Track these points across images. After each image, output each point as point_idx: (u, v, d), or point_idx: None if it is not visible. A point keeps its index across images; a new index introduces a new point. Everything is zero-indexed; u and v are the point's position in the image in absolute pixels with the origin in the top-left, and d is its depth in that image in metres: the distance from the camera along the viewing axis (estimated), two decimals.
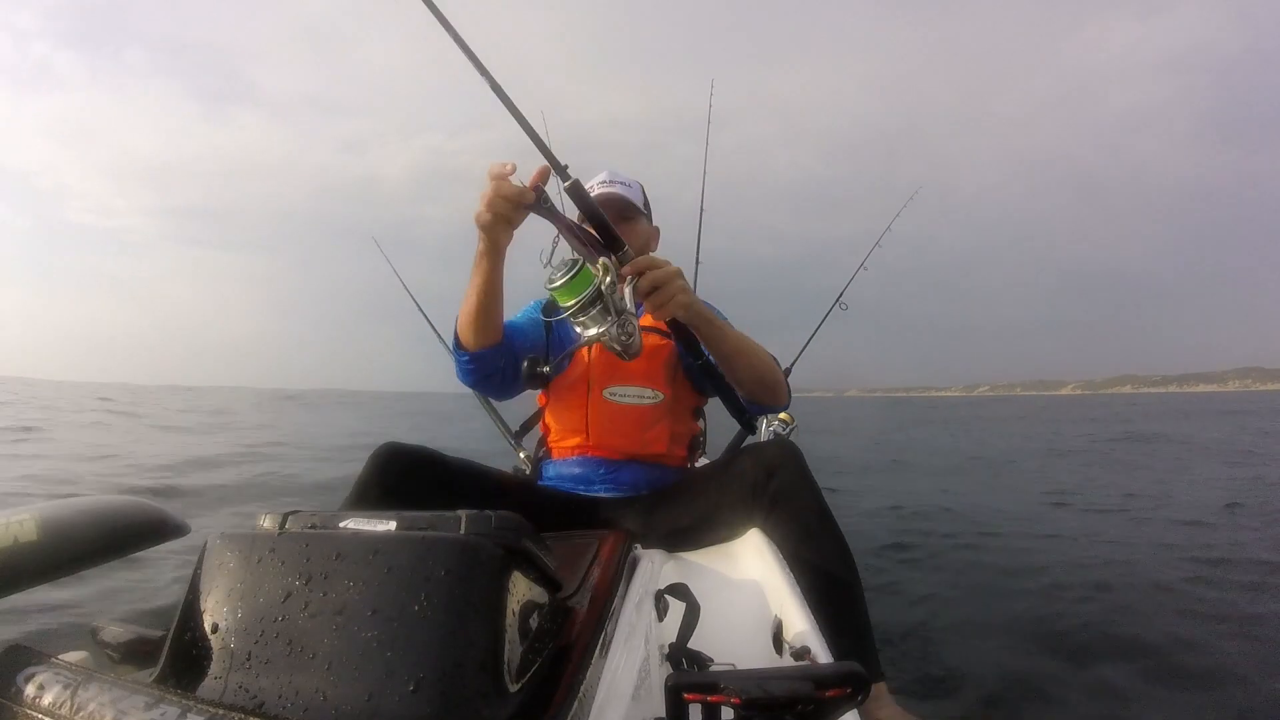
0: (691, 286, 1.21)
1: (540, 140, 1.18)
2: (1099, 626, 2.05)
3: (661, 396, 1.44)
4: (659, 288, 1.12)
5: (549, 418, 1.54)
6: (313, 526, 0.59)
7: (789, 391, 1.48)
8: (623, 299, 1.08)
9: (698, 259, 2.38)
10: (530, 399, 1.58)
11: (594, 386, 1.43)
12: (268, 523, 0.60)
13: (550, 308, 1.26)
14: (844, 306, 2.33)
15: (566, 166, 1.15)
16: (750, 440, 1.81)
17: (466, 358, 1.33)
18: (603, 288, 1.04)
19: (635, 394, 1.44)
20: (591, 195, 1.33)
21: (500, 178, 1.06)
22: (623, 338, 1.07)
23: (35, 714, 0.48)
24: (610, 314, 1.05)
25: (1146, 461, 7.56)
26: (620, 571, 0.88)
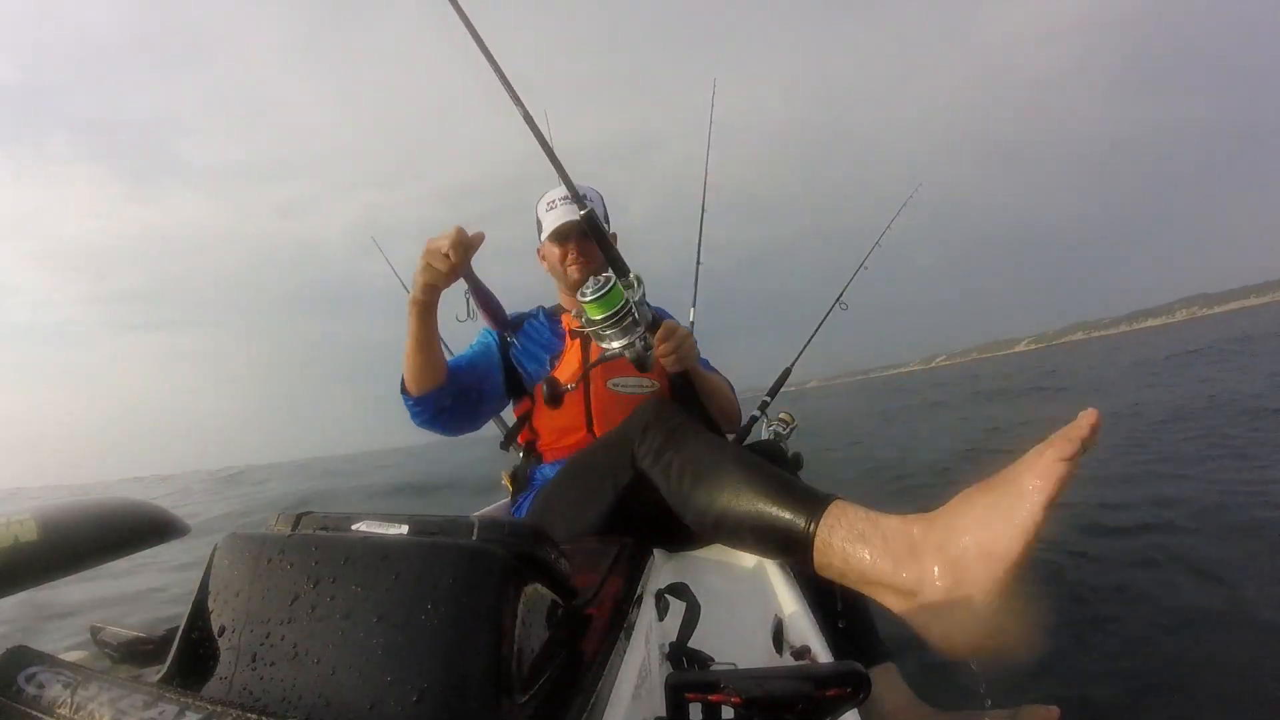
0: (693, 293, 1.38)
1: (562, 170, 1.39)
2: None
3: (656, 385, 1.55)
4: (680, 347, 1.33)
5: (540, 421, 1.53)
6: (324, 529, 0.59)
7: (740, 414, 1.72)
8: (646, 315, 1.20)
9: (698, 260, 2.39)
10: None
11: (596, 379, 1.48)
12: (280, 523, 0.60)
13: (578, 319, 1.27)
14: (844, 306, 2.36)
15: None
16: (749, 441, 1.83)
17: (413, 401, 1.41)
18: (633, 303, 1.17)
19: (635, 384, 1.52)
20: (547, 216, 1.58)
21: (458, 242, 1.16)
22: (644, 351, 1.21)
23: (35, 713, 0.48)
24: (637, 328, 1.19)
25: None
26: (637, 579, 0.88)
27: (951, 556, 0.79)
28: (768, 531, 0.95)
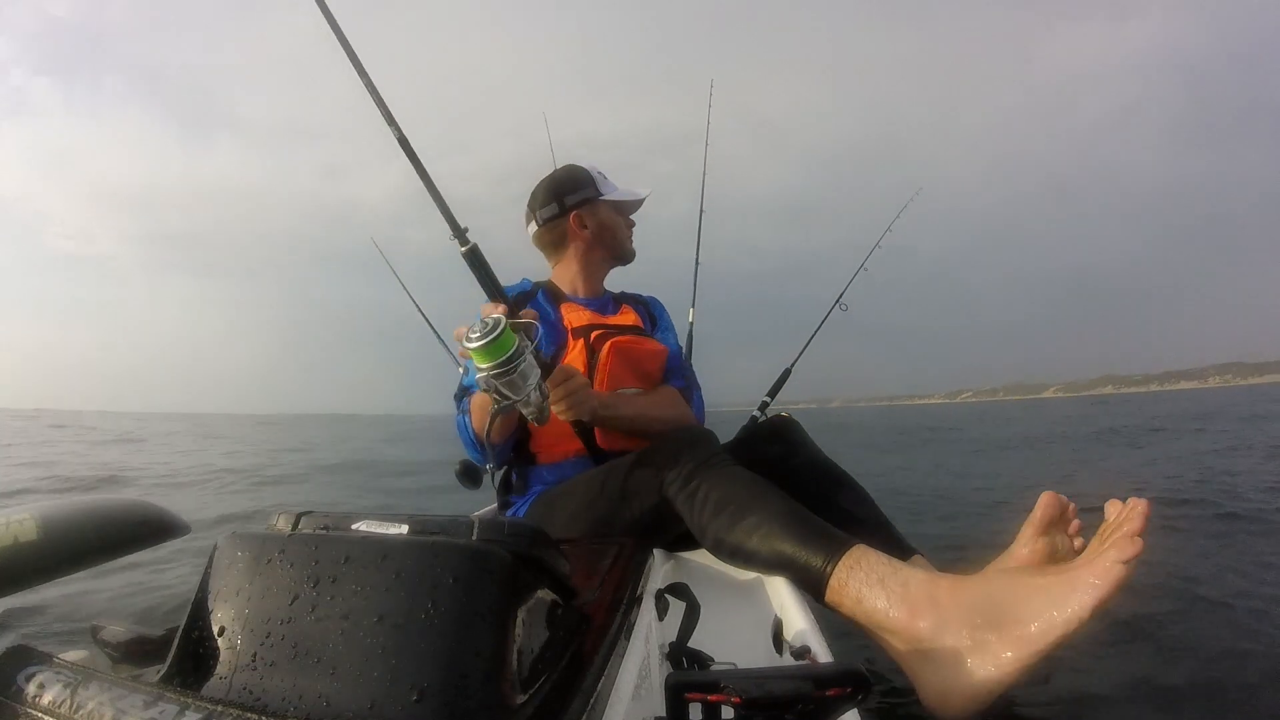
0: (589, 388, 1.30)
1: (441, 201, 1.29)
2: None
3: None
4: (572, 395, 1.21)
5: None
6: (324, 528, 0.59)
7: (700, 415, 1.60)
8: (542, 359, 1.02)
9: (697, 260, 2.38)
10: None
11: (601, 388, 1.43)
12: (281, 523, 0.60)
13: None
14: (844, 307, 2.34)
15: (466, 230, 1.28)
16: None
17: (490, 450, 1.24)
18: (529, 348, 0.96)
19: (636, 395, 1.48)
20: (620, 185, 1.60)
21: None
22: (541, 402, 1.02)
23: (36, 713, 0.48)
24: (533, 374, 0.98)
25: None
26: (637, 580, 0.87)
27: (981, 624, 0.78)
28: (784, 567, 0.98)
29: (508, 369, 0.95)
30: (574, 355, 1.45)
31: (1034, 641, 0.74)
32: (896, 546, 1.11)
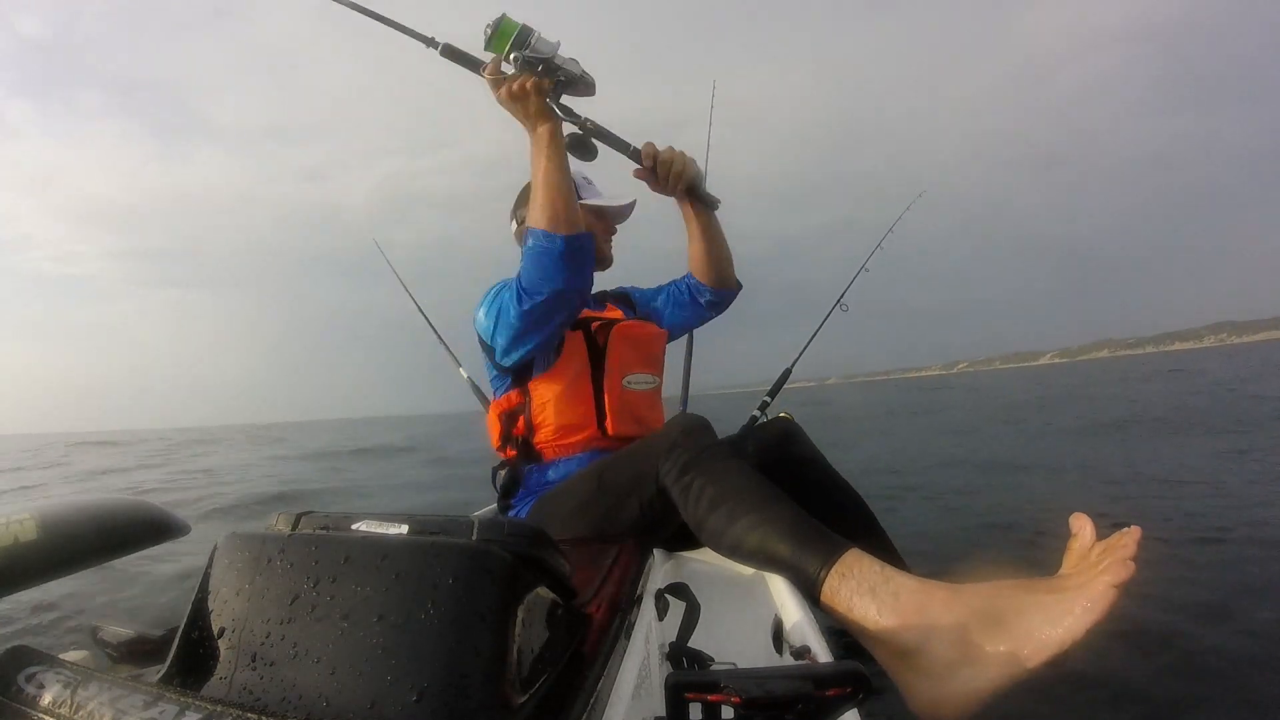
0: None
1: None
2: None
3: (658, 381, 1.56)
4: (673, 162, 1.41)
5: (546, 414, 1.43)
6: (324, 528, 0.59)
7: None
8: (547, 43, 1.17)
9: None
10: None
11: (612, 375, 1.45)
12: (281, 523, 0.60)
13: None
14: (844, 308, 2.35)
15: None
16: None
17: (575, 239, 1.24)
18: (530, 27, 1.14)
19: (644, 380, 1.51)
20: (605, 187, 1.61)
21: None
22: (572, 68, 1.19)
23: (35, 713, 0.48)
24: (552, 43, 1.16)
25: None
26: (637, 580, 0.88)
27: (970, 639, 0.79)
28: (779, 567, 0.98)
29: (526, 43, 1.14)
30: (574, 348, 1.45)
31: (1025, 659, 0.75)
32: (891, 558, 1.11)
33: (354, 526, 0.58)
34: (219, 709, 0.45)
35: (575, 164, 1.58)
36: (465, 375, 2.20)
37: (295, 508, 0.61)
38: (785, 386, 2.29)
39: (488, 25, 1.14)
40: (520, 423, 1.45)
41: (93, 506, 0.73)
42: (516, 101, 1.21)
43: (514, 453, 1.46)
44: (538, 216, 1.24)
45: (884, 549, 1.32)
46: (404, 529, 0.56)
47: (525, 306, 1.28)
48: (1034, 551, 2.23)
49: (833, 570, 0.92)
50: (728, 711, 0.51)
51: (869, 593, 0.88)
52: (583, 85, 1.24)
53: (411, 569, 0.52)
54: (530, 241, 1.25)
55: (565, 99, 1.27)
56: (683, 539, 1.31)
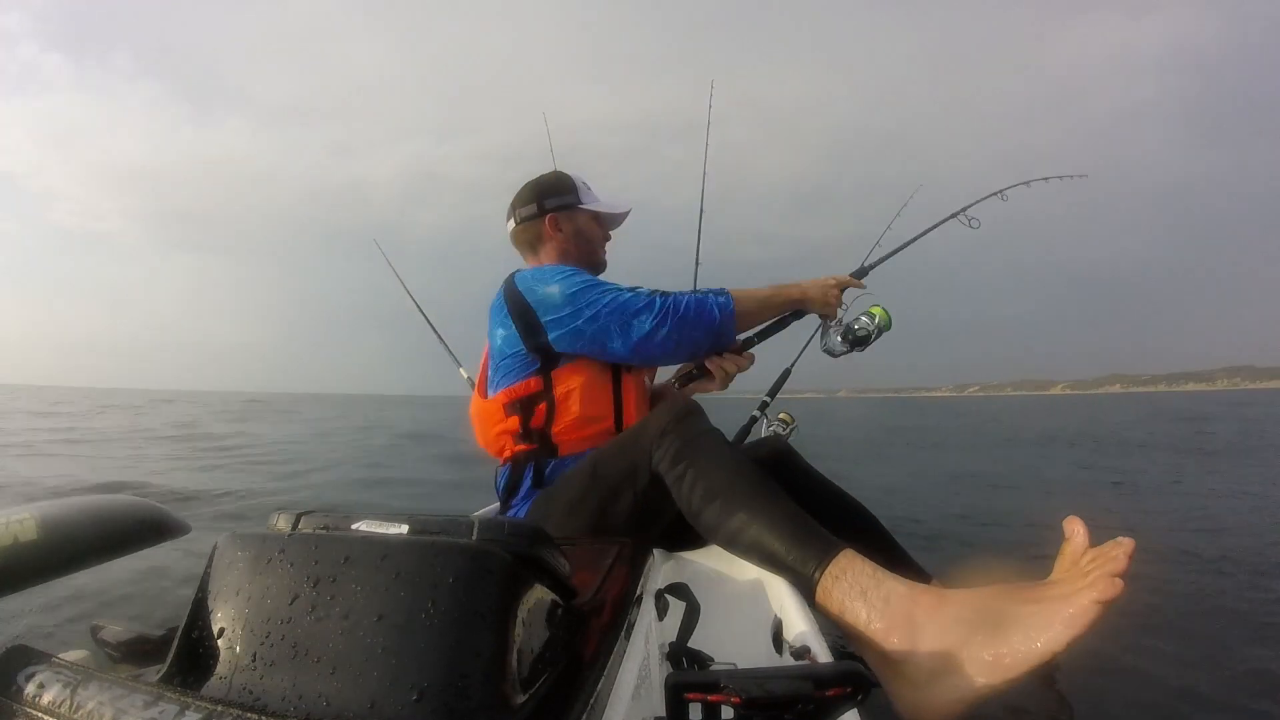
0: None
1: None
2: None
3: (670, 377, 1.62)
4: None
5: (570, 402, 1.36)
6: (324, 528, 0.59)
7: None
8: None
9: (698, 260, 2.38)
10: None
11: (633, 374, 1.45)
12: (280, 523, 0.60)
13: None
14: (845, 307, 2.34)
15: None
16: (750, 440, 1.83)
17: (731, 331, 1.42)
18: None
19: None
20: (601, 196, 1.59)
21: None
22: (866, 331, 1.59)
23: (35, 713, 0.48)
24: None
25: None
26: (637, 580, 0.88)
27: (954, 645, 0.79)
28: (774, 565, 0.99)
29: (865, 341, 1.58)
30: None
31: (1006, 669, 0.76)
32: (900, 561, 1.12)
33: (354, 526, 0.58)
34: (219, 709, 0.45)
35: (575, 169, 1.63)
36: (465, 375, 2.21)
37: (292, 508, 0.61)
38: (793, 395, 2.29)
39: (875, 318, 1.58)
40: (540, 411, 1.37)
41: (93, 506, 0.73)
42: (828, 292, 1.55)
43: (523, 446, 1.38)
44: (749, 306, 1.42)
45: (887, 550, 1.32)
46: (404, 529, 0.56)
47: (658, 342, 1.32)
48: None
49: (826, 571, 0.92)
50: (728, 711, 0.51)
51: (860, 596, 0.89)
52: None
53: (411, 569, 0.52)
54: (723, 300, 1.37)
55: None
56: (683, 539, 1.31)
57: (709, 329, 1.34)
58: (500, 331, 1.40)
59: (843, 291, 1.59)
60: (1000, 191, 2.00)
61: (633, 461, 1.17)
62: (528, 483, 1.38)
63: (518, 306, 1.38)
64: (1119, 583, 0.73)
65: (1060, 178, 2.04)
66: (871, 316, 1.59)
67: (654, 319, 1.30)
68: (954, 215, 1.92)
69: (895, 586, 0.88)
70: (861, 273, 1.74)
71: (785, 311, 1.56)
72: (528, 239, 1.58)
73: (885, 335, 1.59)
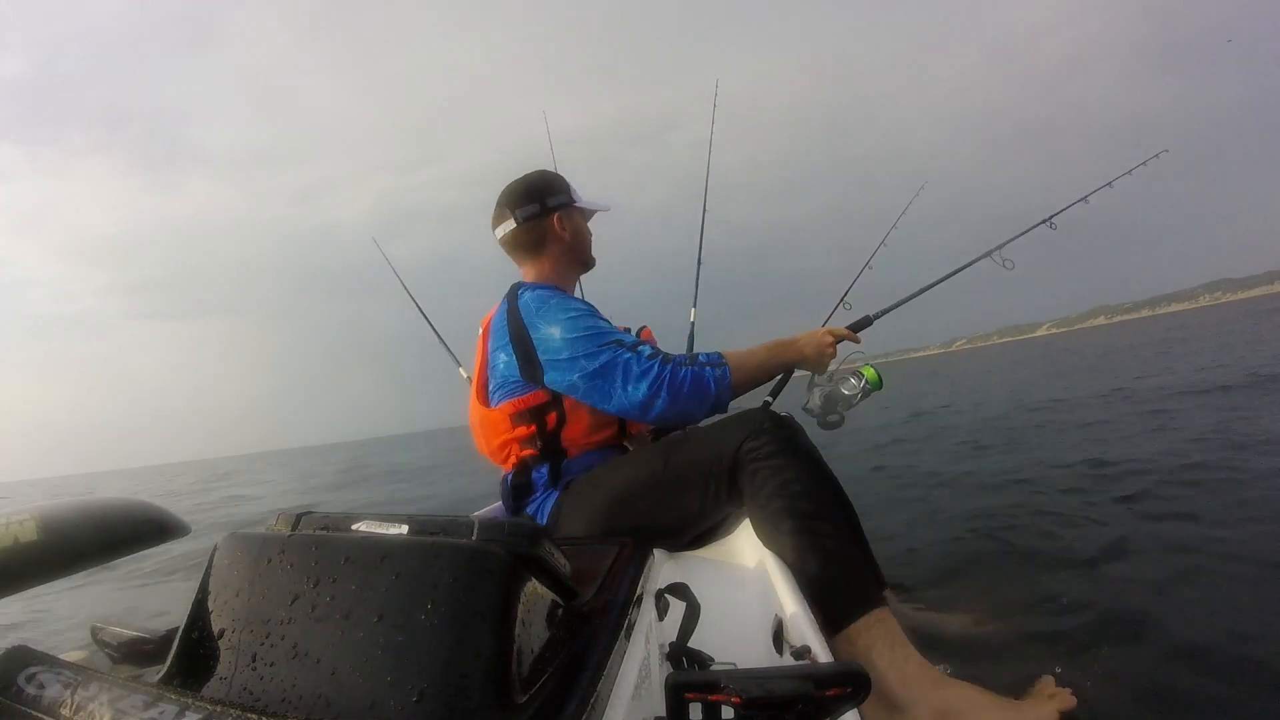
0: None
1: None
2: None
3: None
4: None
5: (580, 409, 1.36)
6: (324, 528, 0.59)
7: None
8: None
9: (699, 260, 2.39)
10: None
11: None
12: (280, 524, 0.60)
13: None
14: (848, 306, 2.34)
15: None
16: None
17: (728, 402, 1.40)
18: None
19: None
20: (586, 195, 1.55)
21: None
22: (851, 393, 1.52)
23: (35, 713, 0.48)
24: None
25: None
26: (637, 580, 0.88)
27: (948, 715, 1.00)
28: (819, 585, 1.07)
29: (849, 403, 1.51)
30: None
31: None
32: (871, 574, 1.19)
33: (354, 527, 0.58)
34: (219, 709, 0.45)
35: (565, 170, 1.63)
36: (465, 375, 2.21)
37: (291, 509, 0.62)
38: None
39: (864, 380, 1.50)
40: (552, 418, 1.37)
41: (93, 506, 0.73)
42: (823, 349, 1.48)
43: (532, 451, 1.38)
44: (744, 375, 1.37)
45: (859, 544, 1.36)
46: (404, 529, 0.56)
47: (653, 414, 1.28)
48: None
49: (870, 614, 1.07)
50: (728, 712, 0.51)
51: (888, 648, 1.05)
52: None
53: (411, 569, 0.52)
54: (719, 374, 1.32)
55: None
56: (683, 539, 1.31)
57: (703, 402, 1.32)
58: (502, 356, 1.38)
59: (838, 344, 1.51)
60: (1085, 197, 1.93)
61: (718, 450, 1.22)
62: (542, 482, 1.38)
63: (518, 334, 1.36)
64: (1074, 699, 1.10)
65: (1143, 164, 1.95)
66: (860, 377, 1.50)
67: (649, 389, 1.28)
68: (989, 254, 1.81)
69: (912, 653, 1.06)
70: (864, 323, 1.64)
71: (780, 374, 1.51)
72: (531, 240, 1.51)
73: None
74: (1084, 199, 1.94)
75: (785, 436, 1.19)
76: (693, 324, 2.24)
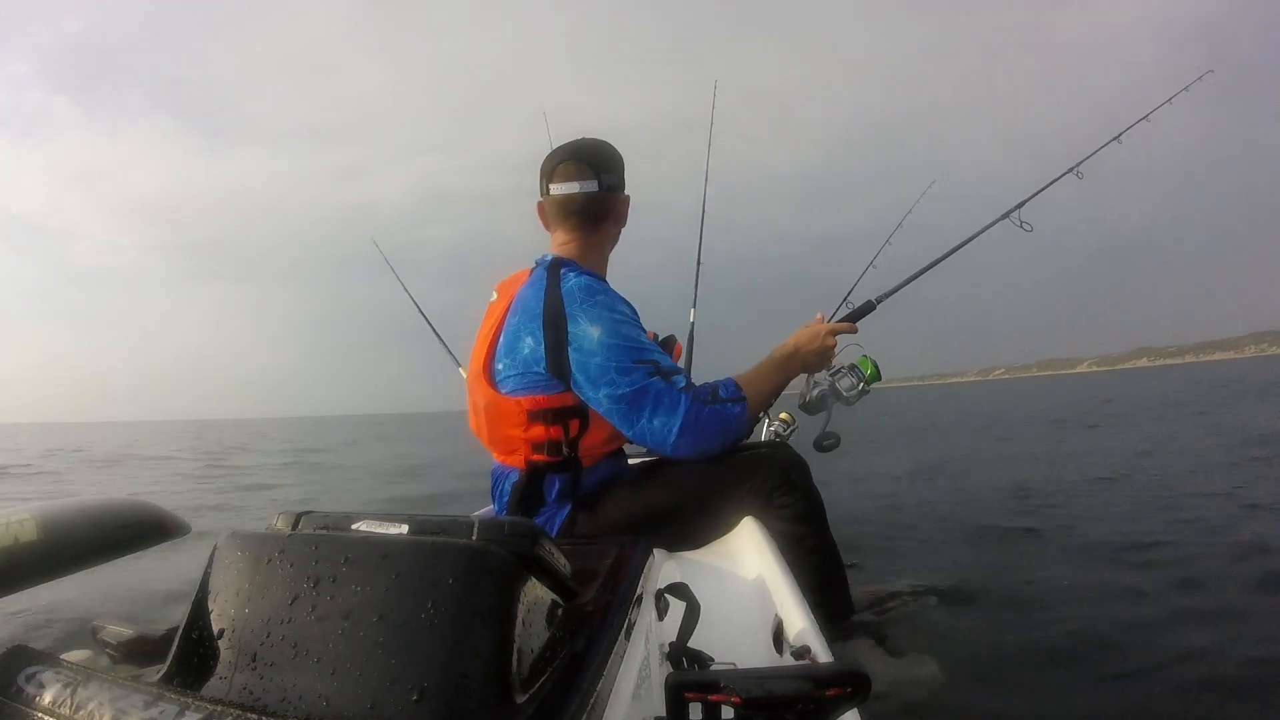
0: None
1: None
2: None
3: None
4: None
5: (603, 421, 1.30)
6: (324, 528, 0.59)
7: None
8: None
9: (699, 260, 2.39)
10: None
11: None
12: (280, 523, 0.60)
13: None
14: (849, 306, 2.34)
15: None
16: (750, 440, 1.82)
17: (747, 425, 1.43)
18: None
19: None
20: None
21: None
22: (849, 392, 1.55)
23: (36, 713, 0.48)
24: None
25: None
26: (637, 580, 0.88)
27: None
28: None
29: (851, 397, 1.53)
30: None
31: None
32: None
33: (354, 526, 0.58)
34: (219, 709, 0.45)
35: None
36: (465, 375, 2.21)
37: (292, 508, 0.62)
38: (798, 391, 2.24)
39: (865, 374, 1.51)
40: (575, 425, 1.30)
41: (93, 506, 0.73)
42: (825, 351, 1.47)
43: (547, 457, 1.30)
44: (759, 403, 1.40)
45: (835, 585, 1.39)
46: (404, 529, 0.56)
47: (672, 450, 1.28)
48: None
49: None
50: (728, 712, 0.51)
51: None
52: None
53: (411, 569, 0.52)
54: (738, 410, 1.32)
55: None
56: (683, 539, 1.32)
57: (725, 441, 1.33)
58: (529, 340, 1.28)
59: (836, 340, 1.48)
60: (1118, 136, 1.76)
61: (749, 487, 1.32)
62: (554, 494, 1.32)
63: (554, 319, 1.26)
64: None
65: (1185, 89, 1.82)
66: (858, 372, 1.50)
67: (677, 429, 1.25)
68: (1007, 214, 1.70)
69: None
70: (865, 309, 1.59)
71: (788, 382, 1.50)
72: (598, 211, 1.37)
73: (881, 349, 1.53)
74: (1116, 139, 1.76)
75: (815, 502, 1.33)
76: (692, 324, 2.24)
